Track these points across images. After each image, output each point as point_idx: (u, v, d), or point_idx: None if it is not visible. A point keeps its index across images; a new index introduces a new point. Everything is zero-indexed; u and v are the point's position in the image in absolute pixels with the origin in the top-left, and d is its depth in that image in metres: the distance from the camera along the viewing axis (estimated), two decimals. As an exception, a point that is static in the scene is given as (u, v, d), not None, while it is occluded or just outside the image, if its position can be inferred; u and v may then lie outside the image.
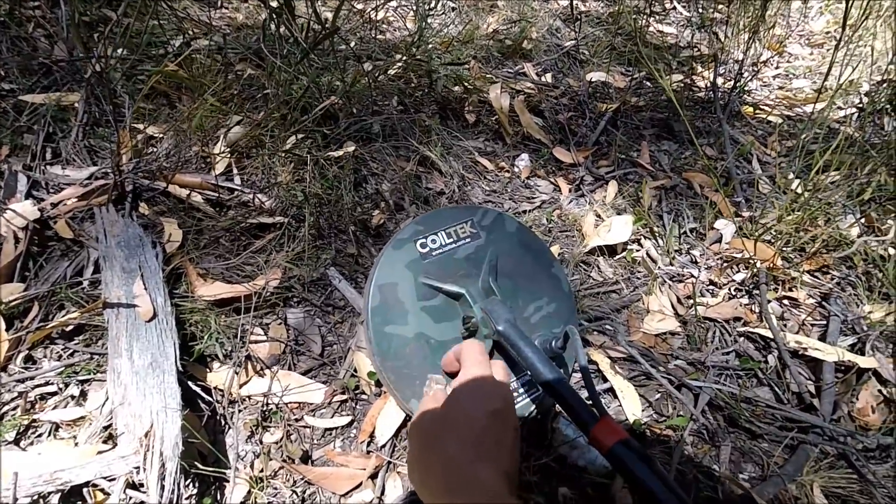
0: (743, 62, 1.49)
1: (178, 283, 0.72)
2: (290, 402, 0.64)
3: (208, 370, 0.64)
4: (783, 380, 0.71)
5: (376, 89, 1.11)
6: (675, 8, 2.08)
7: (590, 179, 1.13)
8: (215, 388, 0.63)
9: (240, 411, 0.62)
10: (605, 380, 0.68)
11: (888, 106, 1.56)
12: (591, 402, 0.52)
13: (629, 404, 0.65)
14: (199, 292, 0.70)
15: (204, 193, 0.86)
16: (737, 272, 0.86)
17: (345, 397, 0.65)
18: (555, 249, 0.90)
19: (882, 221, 0.98)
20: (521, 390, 0.63)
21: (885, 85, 1.62)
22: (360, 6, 1.48)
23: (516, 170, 1.11)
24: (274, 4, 0.81)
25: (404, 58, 1.17)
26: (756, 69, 1.70)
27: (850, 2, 1.02)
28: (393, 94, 1.16)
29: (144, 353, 0.58)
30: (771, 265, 0.83)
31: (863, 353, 0.73)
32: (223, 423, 0.61)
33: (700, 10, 2.00)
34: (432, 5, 1.22)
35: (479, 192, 1.01)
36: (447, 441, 0.38)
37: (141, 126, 0.93)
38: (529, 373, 0.56)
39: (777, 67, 1.81)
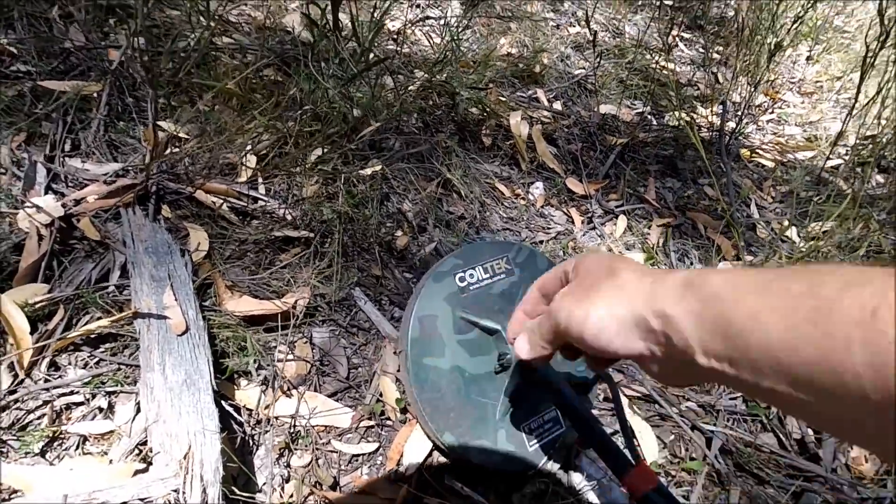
0: (745, 106, 1.56)
1: (205, 294, 0.71)
2: (317, 425, 0.64)
3: (235, 388, 0.64)
4: (785, 426, 0.75)
5: (400, 105, 1.12)
6: (677, 45, 2.16)
7: (600, 212, 1.17)
8: (244, 407, 0.62)
9: (265, 432, 0.62)
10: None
11: (871, 159, 1.66)
12: (624, 445, 0.54)
13: (647, 445, 0.67)
14: (228, 306, 0.70)
15: (229, 201, 0.85)
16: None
17: (371, 423, 0.66)
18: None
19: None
20: (547, 426, 0.65)
21: (868, 140, 1.72)
22: (392, 25, 1.48)
23: (531, 197, 1.13)
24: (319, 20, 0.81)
25: (428, 76, 1.18)
26: (754, 115, 1.78)
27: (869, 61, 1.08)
28: (413, 111, 1.17)
29: (178, 369, 0.58)
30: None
31: (857, 405, 0.78)
32: (251, 444, 0.60)
33: (703, 50, 2.08)
34: (460, 28, 1.24)
35: (497, 219, 1.03)
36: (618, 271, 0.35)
37: (166, 125, 0.91)
38: (563, 413, 0.58)
39: (772, 112, 1.90)
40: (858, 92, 1.10)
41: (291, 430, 0.62)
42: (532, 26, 1.82)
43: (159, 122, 0.92)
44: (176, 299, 0.65)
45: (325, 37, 0.81)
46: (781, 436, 0.73)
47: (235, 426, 0.58)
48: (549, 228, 1.06)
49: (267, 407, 0.64)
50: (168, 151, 0.89)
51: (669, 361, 0.31)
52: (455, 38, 1.10)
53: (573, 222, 1.10)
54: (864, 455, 0.73)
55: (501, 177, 1.15)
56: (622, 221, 1.13)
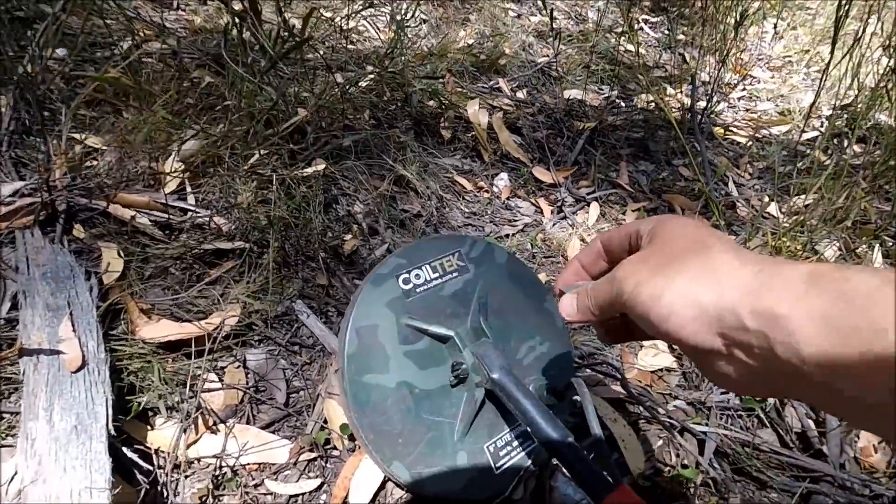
0: (715, 84, 1.50)
1: (118, 321, 0.62)
2: (249, 464, 0.55)
3: (149, 427, 0.55)
4: (784, 419, 0.67)
5: (347, 102, 1.04)
6: (642, 28, 2.11)
7: (570, 200, 1.09)
8: (157, 450, 0.53)
9: (186, 477, 0.52)
10: (605, 426, 0.62)
11: (847, 130, 1.61)
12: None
13: (631, 455, 0.59)
14: (142, 333, 0.60)
15: (152, 215, 0.76)
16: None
17: (313, 455, 0.57)
18: (540, 277, 0.85)
19: (859, 246, 0.98)
20: (515, 443, 0.56)
21: (842, 110, 1.68)
22: (329, 15, 1.41)
23: (496, 189, 1.05)
24: (237, 7, 0.73)
25: (377, 70, 1.11)
26: (724, 92, 1.73)
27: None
28: (365, 107, 1.09)
29: (68, 414, 0.48)
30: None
31: (860, 388, 0.71)
32: (165, 493, 0.51)
33: (667, 32, 2.03)
34: (408, 16, 1.16)
35: (459, 214, 0.95)
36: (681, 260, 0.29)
37: (80, 136, 0.82)
38: (529, 429, 0.50)
39: (743, 90, 1.85)
40: (831, 58, 1.04)
41: (217, 473, 0.53)
42: (491, 16, 1.75)
43: (73, 135, 0.83)
44: (74, 330, 0.55)
45: (240, 20, 0.72)
46: (781, 431, 0.66)
47: (141, 478, 0.49)
48: (515, 221, 0.98)
49: (188, 447, 0.54)
50: (83, 164, 0.80)
51: (752, 366, 0.26)
52: (401, 24, 1.02)
53: (542, 213, 1.02)
54: (872, 444, 0.66)
55: (463, 170, 1.07)
56: (594, 209, 1.06)
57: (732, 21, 1.38)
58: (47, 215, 0.72)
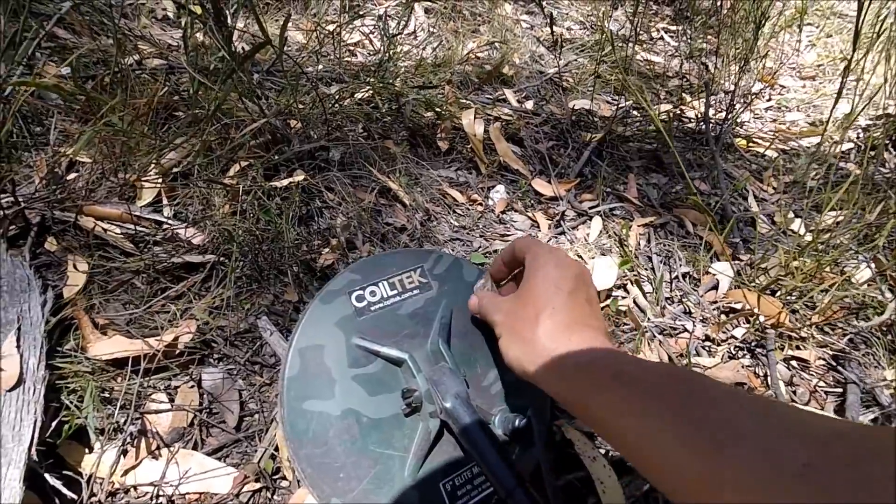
0: (734, 93, 1.42)
1: (70, 337, 0.60)
2: (189, 494, 0.51)
3: (87, 451, 0.52)
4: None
5: (339, 114, 1.02)
6: (662, 38, 2.04)
7: (571, 214, 1.03)
8: (92, 476, 0.50)
9: (120, 507, 0.49)
10: (582, 466, 0.55)
11: (888, 141, 1.49)
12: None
13: (610, 500, 0.52)
14: (93, 350, 0.58)
15: (125, 227, 0.75)
16: (736, 326, 0.75)
17: (259, 486, 0.53)
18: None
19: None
20: (478, 481, 0.51)
21: (882, 120, 1.56)
22: (331, 27, 1.40)
23: (490, 202, 1.00)
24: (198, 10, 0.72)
25: (371, 80, 1.08)
26: (748, 101, 1.63)
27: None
28: (359, 119, 1.07)
29: (-7, 435, 0.46)
30: (776, 322, 0.72)
31: (888, 430, 0.62)
32: (94, 524, 0.48)
33: (689, 41, 1.95)
34: (401, 26, 1.14)
35: (447, 227, 0.91)
36: (542, 318, 0.41)
37: (69, 150, 0.82)
38: (479, 466, 0.44)
39: (769, 100, 1.75)
40: (850, 63, 0.96)
41: (153, 503, 0.50)
42: (501, 27, 1.72)
43: (59, 148, 0.84)
44: (18, 346, 0.53)
45: (196, 19, 0.71)
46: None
47: (61, 505, 0.46)
48: (508, 235, 0.92)
49: (125, 473, 0.51)
50: (65, 178, 0.80)
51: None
52: (387, 34, 1.00)
53: (538, 227, 0.97)
54: None
55: (457, 182, 1.03)
56: (597, 223, 0.99)
57: (752, 26, 1.30)
58: (22, 228, 0.71)
